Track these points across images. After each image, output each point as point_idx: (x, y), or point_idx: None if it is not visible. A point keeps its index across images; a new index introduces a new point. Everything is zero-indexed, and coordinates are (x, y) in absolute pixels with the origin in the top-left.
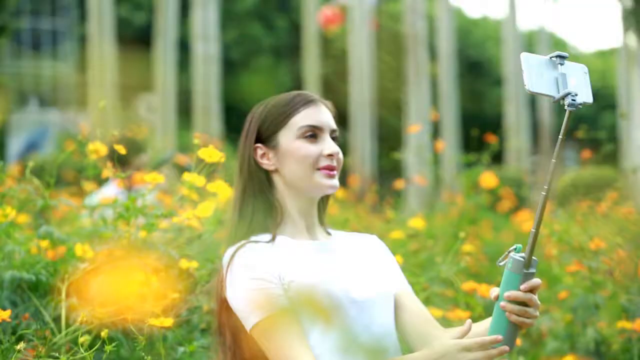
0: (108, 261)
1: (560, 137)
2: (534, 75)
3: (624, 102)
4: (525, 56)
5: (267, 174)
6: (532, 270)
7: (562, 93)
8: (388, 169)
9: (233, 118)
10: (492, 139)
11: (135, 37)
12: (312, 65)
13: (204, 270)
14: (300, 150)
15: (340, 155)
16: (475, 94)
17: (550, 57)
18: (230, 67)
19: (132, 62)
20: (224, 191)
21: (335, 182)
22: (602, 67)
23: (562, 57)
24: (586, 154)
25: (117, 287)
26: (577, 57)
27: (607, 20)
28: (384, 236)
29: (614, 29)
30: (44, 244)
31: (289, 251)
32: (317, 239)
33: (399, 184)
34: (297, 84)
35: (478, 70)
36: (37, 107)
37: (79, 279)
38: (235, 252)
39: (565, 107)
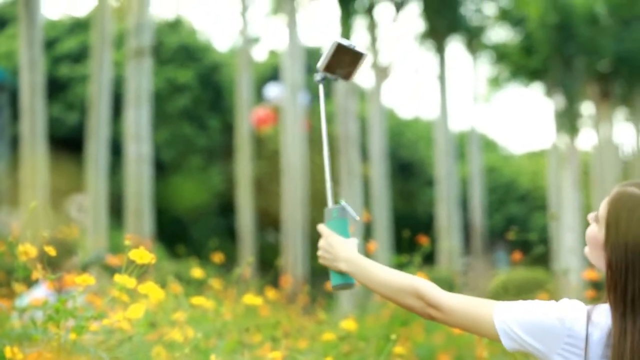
0: None
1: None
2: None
3: (555, 203)
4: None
5: None
6: (327, 219)
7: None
8: (320, 270)
9: (164, 220)
10: (423, 240)
11: (68, 137)
12: (244, 165)
13: None
14: None
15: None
16: (407, 194)
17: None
18: (162, 168)
19: (64, 163)
20: (155, 293)
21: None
22: (533, 168)
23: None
24: (517, 255)
25: None
26: (508, 158)
27: (538, 121)
28: (316, 338)
29: (544, 130)
30: None
31: None
32: None
33: (330, 285)
34: (229, 185)
35: (410, 170)
36: None
37: None
38: None
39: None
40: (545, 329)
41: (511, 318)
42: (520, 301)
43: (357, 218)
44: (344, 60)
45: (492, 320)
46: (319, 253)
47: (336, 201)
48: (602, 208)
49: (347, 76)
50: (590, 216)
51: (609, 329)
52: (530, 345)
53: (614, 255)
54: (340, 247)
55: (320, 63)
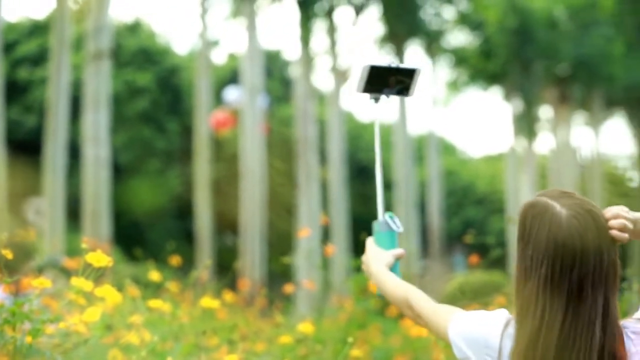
0: None
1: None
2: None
3: (512, 206)
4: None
5: None
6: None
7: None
8: (278, 273)
9: (122, 222)
10: None
11: (26, 140)
12: (203, 168)
13: None
14: None
15: None
16: (366, 197)
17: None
18: (120, 171)
19: (22, 166)
20: (111, 296)
21: None
22: (490, 172)
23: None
24: (474, 258)
25: None
26: (466, 162)
27: (497, 125)
28: (273, 341)
29: (503, 134)
30: None
31: None
32: None
33: (288, 288)
34: (188, 188)
35: (368, 174)
36: None
37: None
38: None
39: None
40: (475, 340)
41: (458, 330)
42: (472, 312)
43: (400, 229)
44: (389, 78)
45: (446, 331)
46: (363, 267)
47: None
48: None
49: (404, 92)
50: None
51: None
52: (469, 357)
53: (518, 261)
54: (370, 262)
55: (357, 87)
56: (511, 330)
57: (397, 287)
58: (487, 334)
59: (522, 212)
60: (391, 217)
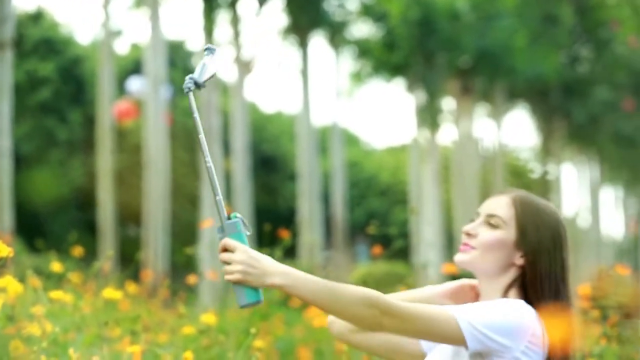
0: None
1: (193, 115)
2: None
3: (415, 198)
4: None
5: None
6: (227, 233)
7: (186, 81)
8: (181, 264)
9: (24, 213)
10: (285, 233)
11: None
12: (105, 159)
13: None
14: None
15: (480, 234)
16: (269, 188)
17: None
18: (22, 161)
19: None
20: (13, 287)
21: (457, 256)
22: (394, 163)
23: (209, 50)
24: (377, 249)
25: None
26: (369, 153)
27: (400, 116)
28: (176, 332)
29: (406, 126)
30: None
31: None
32: None
33: (191, 279)
34: (90, 179)
35: (272, 165)
36: None
37: None
38: None
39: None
40: (514, 326)
41: (477, 320)
42: (475, 304)
43: (249, 232)
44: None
45: (455, 324)
46: (238, 269)
47: (228, 214)
48: (505, 212)
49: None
50: (478, 224)
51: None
52: (499, 343)
53: (533, 252)
54: (267, 261)
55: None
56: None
57: (343, 285)
58: (524, 319)
59: (522, 206)
60: (240, 218)
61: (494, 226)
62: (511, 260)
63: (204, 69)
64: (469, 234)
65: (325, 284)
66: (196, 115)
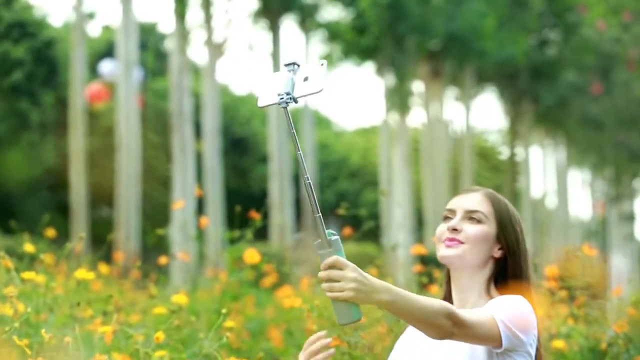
0: None
1: (291, 131)
2: (264, 91)
3: (385, 179)
4: (261, 76)
5: None
6: (329, 249)
7: (278, 98)
8: (153, 245)
9: None
10: (255, 215)
11: None
12: (78, 141)
13: None
14: (437, 229)
15: (466, 229)
16: (240, 170)
17: (285, 66)
18: None
19: None
20: None
21: (443, 251)
22: (364, 145)
23: (293, 64)
24: (347, 230)
25: None
26: (339, 135)
27: (371, 99)
28: (147, 312)
29: (376, 108)
30: None
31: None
32: None
33: (163, 260)
34: (63, 161)
35: (243, 147)
36: None
37: None
38: None
39: (281, 107)
40: (528, 322)
41: (507, 319)
42: (499, 303)
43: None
44: None
45: (496, 325)
46: (351, 286)
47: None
48: (485, 208)
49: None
50: (459, 220)
51: None
52: (520, 339)
53: (512, 244)
54: (373, 278)
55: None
56: None
57: (430, 299)
58: (533, 315)
59: (498, 203)
60: (338, 235)
61: (477, 221)
62: (491, 253)
63: (291, 83)
64: (455, 230)
65: (414, 297)
66: (293, 131)
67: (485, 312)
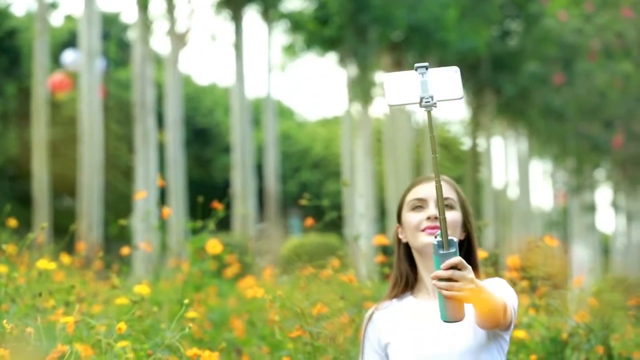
0: None
1: (430, 134)
2: (393, 89)
3: (348, 170)
4: (387, 75)
5: (407, 246)
6: (452, 250)
7: (419, 100)
8: (115, 235)
9: None
10: (218, 205)
11: None
12: (40, 131)
13: None
14: (409, 219)
15: (450, 217)
16: (203, 160)
17: (415, 69)
18: None
19: None
20: None
21: (428, 239)
22: (326, 135)
23: (423, 67)
24: (309, 221)
25: None
26: (302, 125)
27: (333, 89)
28: (110, 303)
29: (339, 98)
30: None
31: (400, 313)
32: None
33: (125, 250)
34: (25, 151)
35: (206, 137)
36: None
37: None
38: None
39: (423, 109)
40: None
41: (512, 305)
42: (502, 287)
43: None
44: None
45: (509, 312)
46: (470, 287)
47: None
48: (452, 194)
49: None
50: (434, 209)
51: None
52: (513, 322)
53: (472, 229)
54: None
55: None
56: None
57: (499, 297)
58: None
59: (458, 190)
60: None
61: (450, 207)
62: (460, 237)
63: (425, 87)
64: (436, 217)
65: (492, 293)
66: (432, 134)
67: (500, 299)
